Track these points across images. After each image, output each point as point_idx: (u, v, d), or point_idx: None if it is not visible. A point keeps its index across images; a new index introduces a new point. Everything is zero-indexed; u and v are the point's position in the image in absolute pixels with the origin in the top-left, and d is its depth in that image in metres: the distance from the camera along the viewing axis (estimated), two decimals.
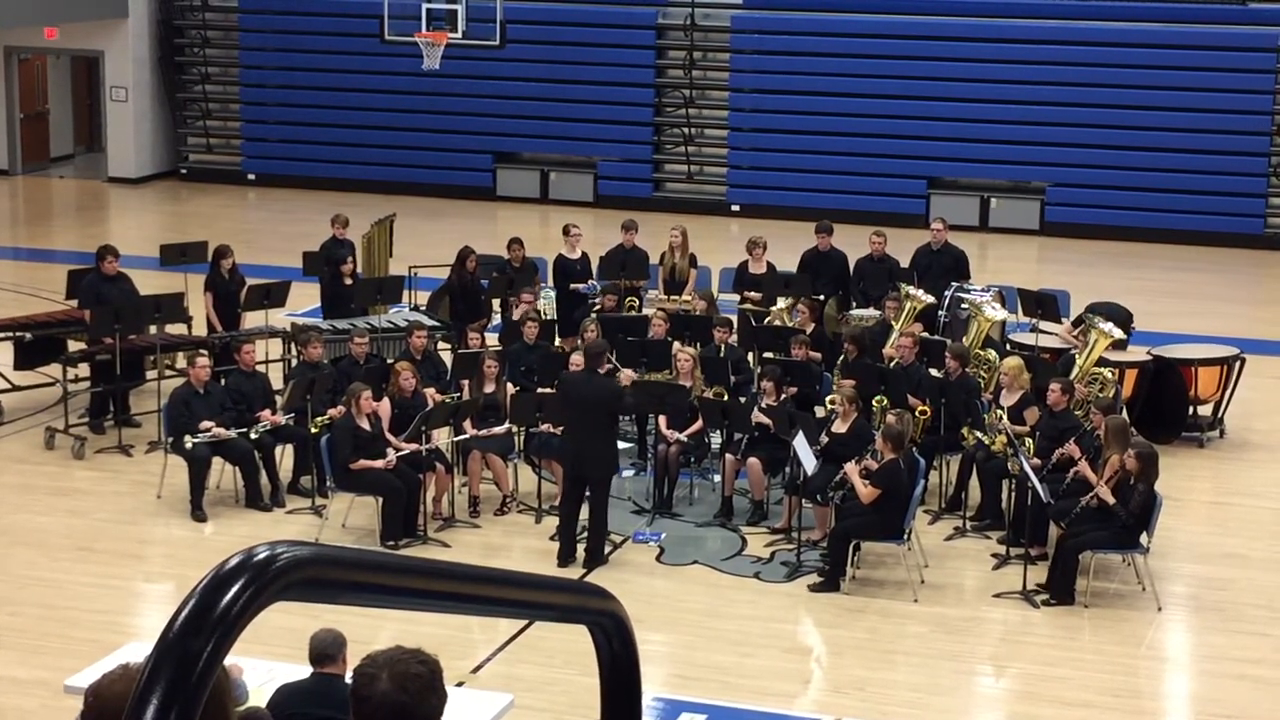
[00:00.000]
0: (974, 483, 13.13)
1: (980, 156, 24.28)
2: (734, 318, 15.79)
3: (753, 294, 16.46)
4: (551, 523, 12.79)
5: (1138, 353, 15.24)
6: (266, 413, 13.37)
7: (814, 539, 12.47)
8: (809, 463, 12.05)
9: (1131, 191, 23.78)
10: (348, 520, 12.85)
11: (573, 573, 11.85)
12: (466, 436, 13.15)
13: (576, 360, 13.12)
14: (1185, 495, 13.63)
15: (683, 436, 13.36)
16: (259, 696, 7.59)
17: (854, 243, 17.26)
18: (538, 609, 3.54)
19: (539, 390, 13.63)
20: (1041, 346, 15.13)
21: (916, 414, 13.35)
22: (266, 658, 8.13)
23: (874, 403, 13.51)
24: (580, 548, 12.22)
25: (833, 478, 12.14)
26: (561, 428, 12.86)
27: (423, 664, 2.81)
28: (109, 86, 27.15)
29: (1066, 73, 23.80)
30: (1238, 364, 15.21)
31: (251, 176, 27.19)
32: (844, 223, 19.56)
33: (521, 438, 13.84)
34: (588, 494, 12.16)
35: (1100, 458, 11.86)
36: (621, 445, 14.08)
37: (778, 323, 15.69)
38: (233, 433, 13.07)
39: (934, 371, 13.91)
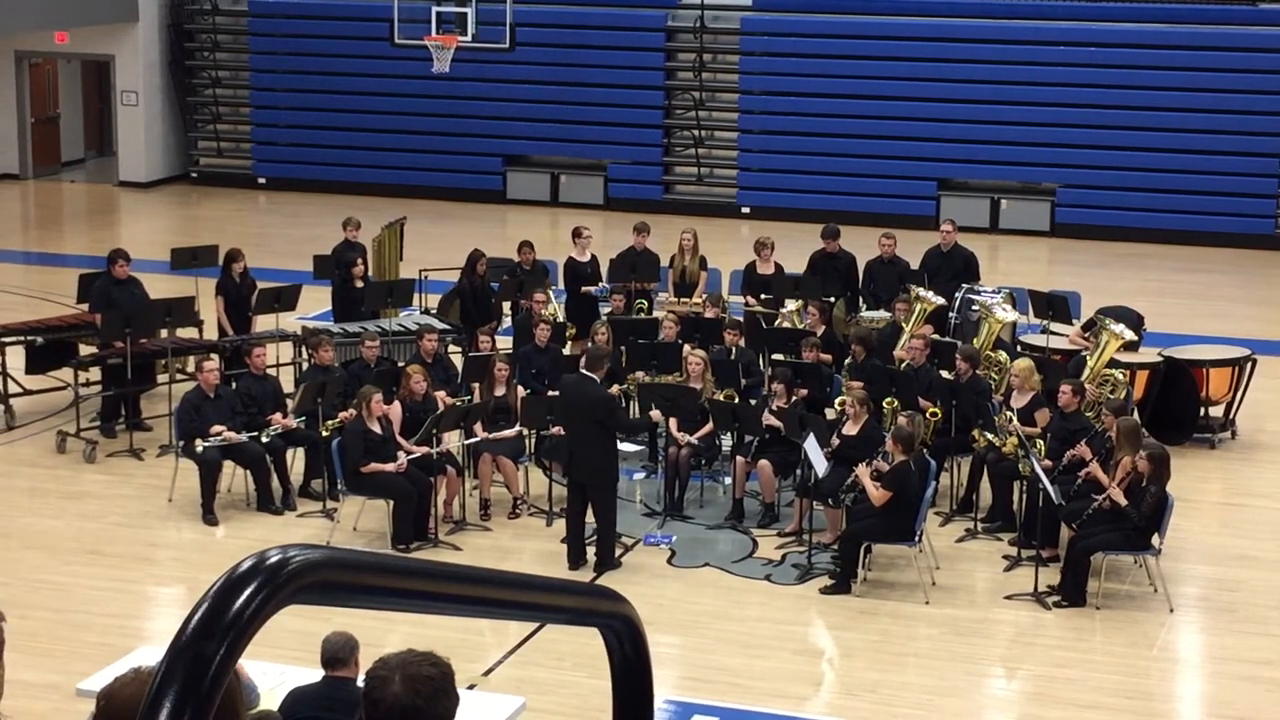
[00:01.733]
0: (985, 484, 13.11)
1: (990, 158, 24.26)
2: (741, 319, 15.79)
3: (751, 298, 16.44)
4: (562, 525, 12.81)
5: (1149, 354, 15.22)
6: (277, 416, 13.38)
7: (825, 541, 12.46)
8: (820, 465, 12.04)
9: (1142, 193, 23.75)
10: (359, 523, 12.86)
11: (584, 576, 11.86)
12: (477, 440, 13.16)
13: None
14: (1197, 496, 13.61)
15: (693, 439, 13.35)
16: (270, 700, 7.59)
17: (864, 244, 17.26)
18: (549, 612, 3.54)
19: (549, 393, 13.64)
20: (1052, 348, 15.11)
21: (927, 416, 13.34)
22: (278, 661, 8.14)
23: (885, 405, 13.50)
24: (590, 550, 12.22)
25: (844, 480, 12.13)
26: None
27: (435, 666, 2.82)
28: (119, 91, 27.20)
29: (1076, 74, 23.78)
30: (1249, 365, 15.19)
31: (262, 180, 27.22)
32: (854, 224, 19.57)
33: (532, 441, 13.85)
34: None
35: (1111, 459, 11.85)
36: (632, 448, 14.09)
37: (788, 325, 15.68)
38: (243, 436, 13.08)
39: (944, 373, 13.89)
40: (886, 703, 10.20)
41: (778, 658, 10.81)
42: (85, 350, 15.29)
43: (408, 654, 2.84)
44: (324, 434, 13.03)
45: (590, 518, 12.18)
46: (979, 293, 16.07)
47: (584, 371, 12.25)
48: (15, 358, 15.38)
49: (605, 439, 12.16)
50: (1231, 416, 15.26)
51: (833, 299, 16.27)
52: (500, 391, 13.59)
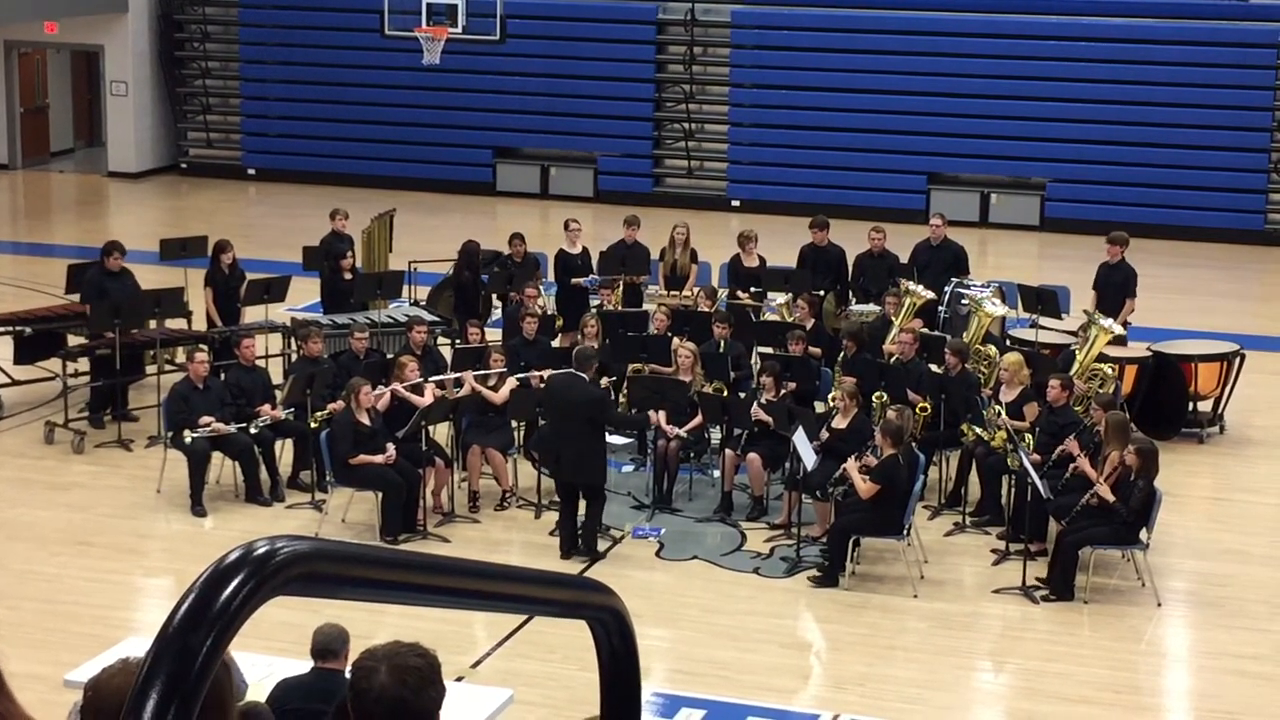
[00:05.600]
0: (974, 478, 13.12)
1: (980, 152, 24.28)
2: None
3: (741, 292, 16.45)
4: (551, 517, 12.81)
5: (1138, 349, 15.24)
6: (266, 407, 13.36)
7: (814, 535, 12.47)
8: (809, 458, 12.05)
9: (1132, 187, 23.78)
10: (347, 515, 12.85)
11: (573, 567, 11.86)
12: (462, 390, 13.14)
13: None
14: (1185, 491, 13.63)
15: (682, 432, 13.34)
16: (259, 691, 7.59)
17: (854, 238, 17.25)
18: (538, 604, 3.54)
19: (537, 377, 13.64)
20: (1041, 342, 15.12)
21: (916, 410, 13.34)
22: (266, 652, 8.13)
23: (874, 398, 13.50)
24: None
25: (832, 473, 12.13)
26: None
27: (421, 657, 2.82)
28: (109, 81, 27.14)
29: (1066, 68, 23.79)
30: (1238, 360, 15.21)
31: (251, 171, 27.19)
32: (844, 218, 19.58)
33: (521, 433, 13.84)
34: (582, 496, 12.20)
35: (1100, 454, 11.86)
36: (622, 440, 14.08)
37: (777, 318, 15.68)
38: (232, 428, 13.06)
39: (934, 367, 13.90)
40: (874, 696, 10.21)
41: (766, 651, 10.82)
42: (74, 341, 15.26)
43: (394, 645, 2.85)
44: (313, 425, 13.02)
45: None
46: (969, 287, 16.07)
47: (573, 370, 12.27)
48: (3, 348, 15.34)
49: (595, 437, 12.17)
50: (1220, 411, 15.28)
51: (823, 293, 16.27)
52: (492, 382, 13.58)
